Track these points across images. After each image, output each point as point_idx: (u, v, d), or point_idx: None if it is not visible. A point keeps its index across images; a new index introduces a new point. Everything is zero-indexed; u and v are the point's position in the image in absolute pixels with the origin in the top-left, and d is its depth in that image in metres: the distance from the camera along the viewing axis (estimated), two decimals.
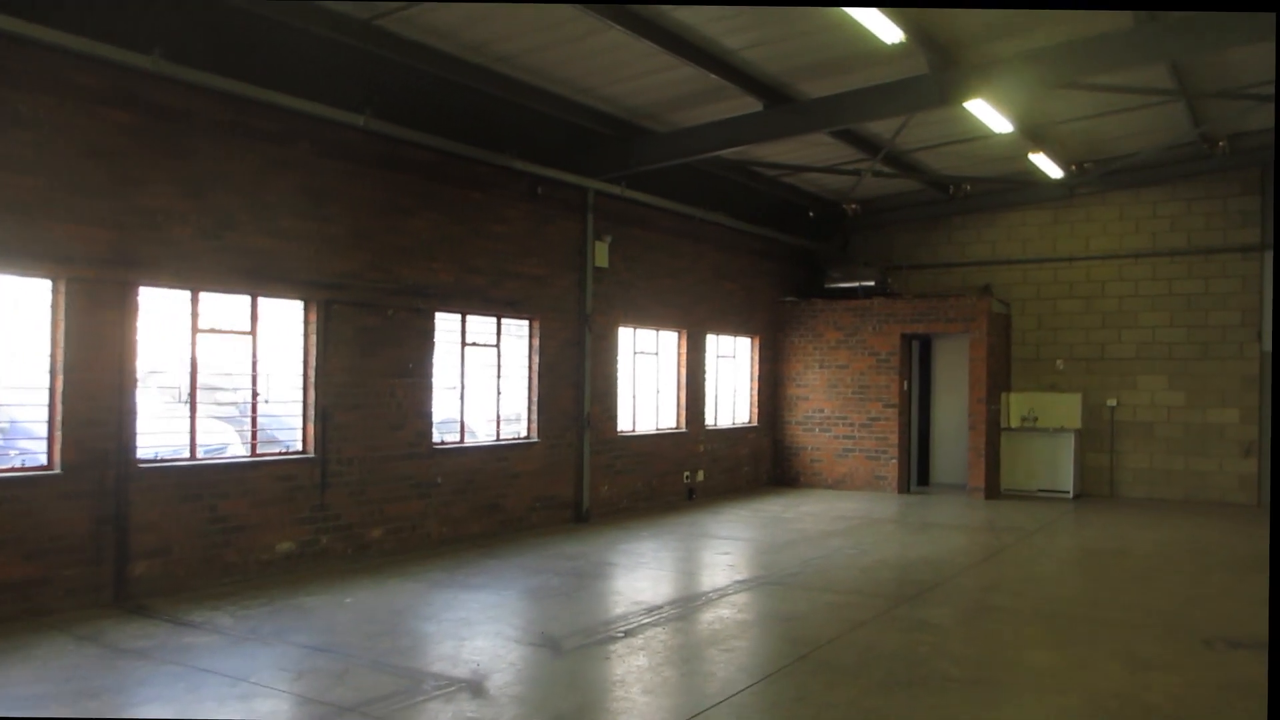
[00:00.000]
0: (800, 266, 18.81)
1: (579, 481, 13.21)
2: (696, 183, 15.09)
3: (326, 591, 8.81)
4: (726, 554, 11.31)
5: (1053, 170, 15.78)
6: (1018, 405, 17.50)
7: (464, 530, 11.48)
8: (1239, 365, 16.26)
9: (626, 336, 14.39)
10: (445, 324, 11.43)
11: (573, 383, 13.13)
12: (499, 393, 12.21)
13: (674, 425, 15.43)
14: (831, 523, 13.24)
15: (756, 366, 17.56)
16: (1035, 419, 17.31)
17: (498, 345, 12.16)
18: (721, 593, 9.17)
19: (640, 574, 10.17)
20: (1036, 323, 17.67)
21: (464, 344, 11.70)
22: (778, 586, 9.40)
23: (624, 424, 14.31)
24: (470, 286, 11.59)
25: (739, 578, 9.92)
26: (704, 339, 15.93)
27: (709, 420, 16.17)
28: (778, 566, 10.32)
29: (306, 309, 9.84)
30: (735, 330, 16.86)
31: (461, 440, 11.69)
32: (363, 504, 10.25)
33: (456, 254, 11.42)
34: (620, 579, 10.05)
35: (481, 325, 11.97)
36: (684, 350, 15.50)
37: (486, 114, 11.55)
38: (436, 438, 11.27)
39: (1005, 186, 17.49)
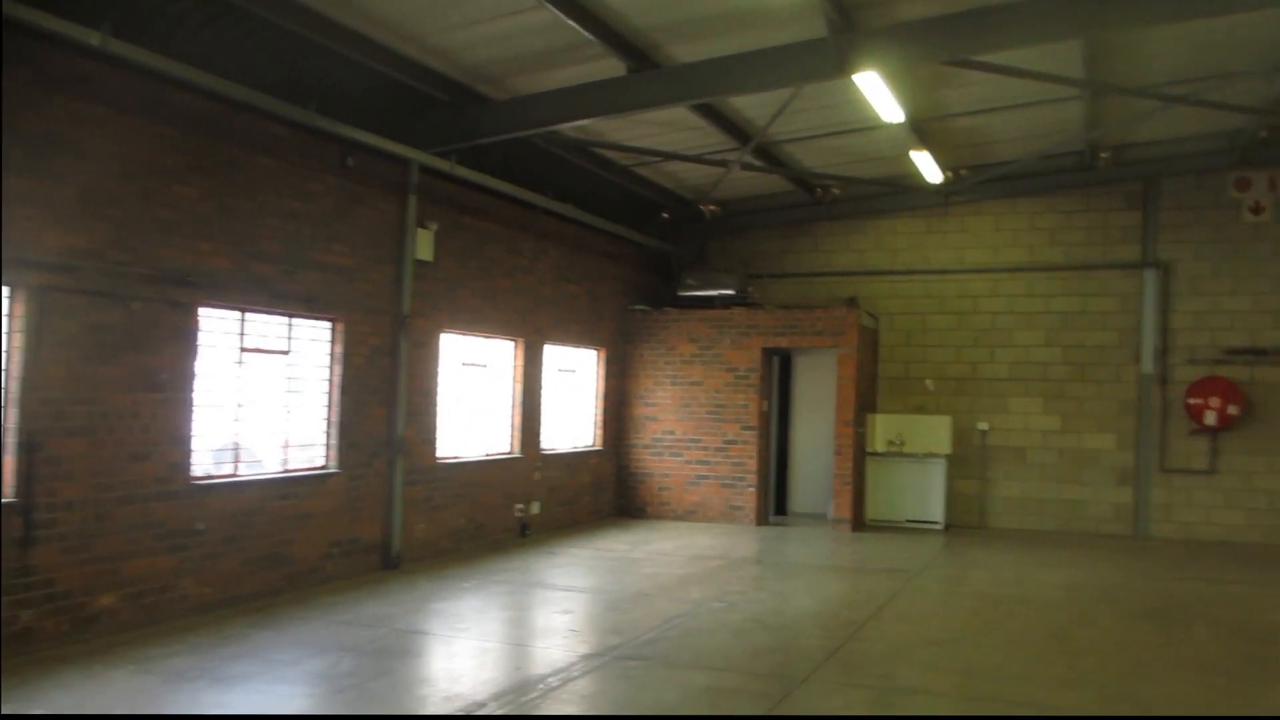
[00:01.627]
0: (653, 271, 17.09)
1: (388, 520, 10.99)
2: (541, 168, 13.12)
3: (8, 696, 6.44)
4: (567, 612, 9.32)
5: (932, 173, 14.53)
6: (884, 428, 16.21)
7: (235, 590, 9.08)
8: (1116, 388, 15.39)
9: (452, 345, 12.24)
10: (217, 324, 9.02)
11: (384, 400, 10.94)
12: (288, 412, 9.89)
13: (506, 450, 13.35)
14: (688, 565, 11.47)
15: (602, 382, 15.70)
16: (902, 443, 16.06)
17: (289, 352, 9.91)
18: (564, 675, 7.18)
19: (459, 646, 8.05)
20: (905, 339, 16.46)
21: (243, 349, 9.38)
22: (634, 663, 7.48)
23: (446, 449, 12.12)
24: (254, 277, 9.24)
25: (584, 650, 7.94)
26: (543, 350, 13.95)
27: (546, 444, 14.18)
28: (631, 630, 8.41)
29: (11, 298, 7.38)
30: (578, 341, 14.97)
31: (235, 473, 9.38)
32: (88, 563, 7.70)
33: (237, 234, 9.06)
34: (433, 656, 7.95)
35: (268, 327, 9.62)
36: (520, 362, 13.49)
37: (285, 58, 9.22)
38: (199, 471, 8.82)
39: (877, 191, 16.21)
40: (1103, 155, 15.01)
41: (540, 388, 13.83)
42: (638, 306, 16.21)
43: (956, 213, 16.22)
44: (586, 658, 7.67)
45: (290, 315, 9.78)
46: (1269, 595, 10.58)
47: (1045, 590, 10.49)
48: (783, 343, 15.39)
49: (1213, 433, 14.80)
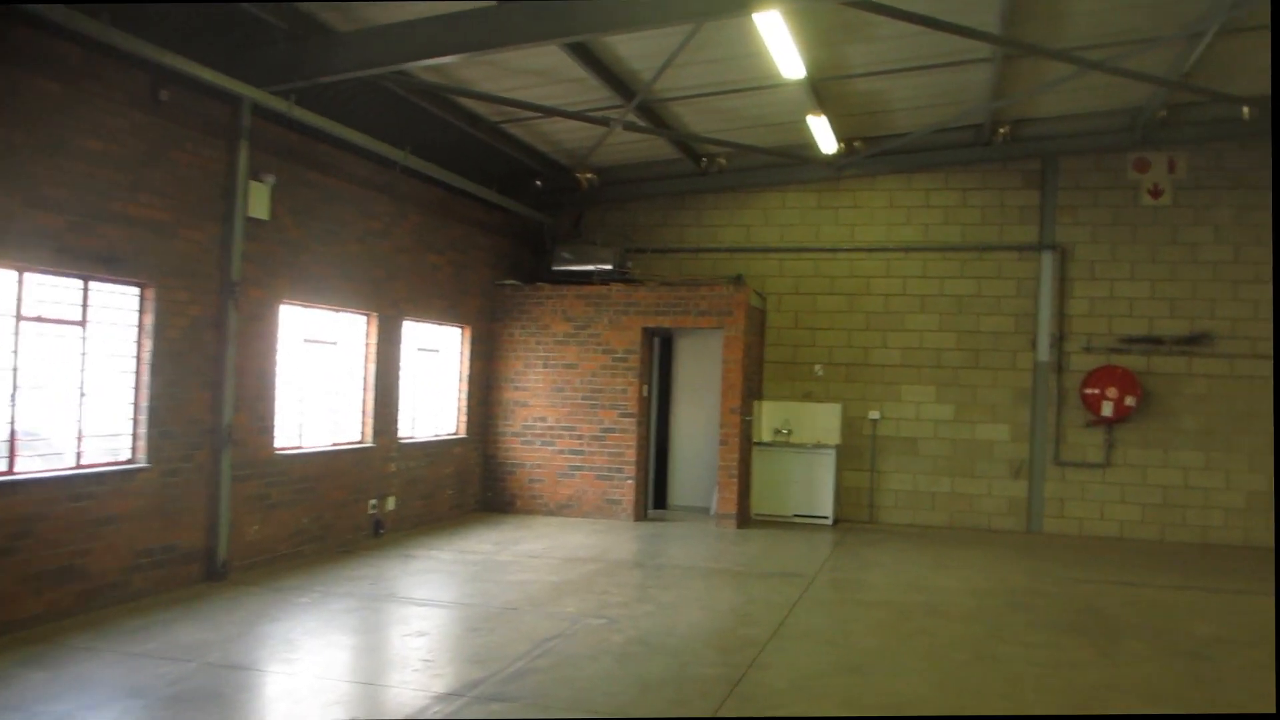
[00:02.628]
0: (524, 243, 15.74)
1: (213, 523, 9.39)
2: (400, 121, 11.61)
3: None
4: (422, 635, 7.94)
5: (828, 142, 13.56)
6: (771, 417, 15.28)
7: (9, 614, 7.39)
8: (1011, 376, 14.75)
9: (294, 318, 10.69)
10: None
11: (208, 381, 9.31)
12: (83, 395, 8.21)
13: (358, 439, 11.82)
14: (562, 569, 10.24)
15: (467, 364, 14.29)
16: (789, 433, 15.16)
17: (85, 322, 8.25)
18: None
19: (282, 687, 6.62)
20: (794, 321, 15.53)
21: (20, 318, 7.68)
22: (499, 706, 6.18)
23: (286, 438, 10.59)
24: (36, 228, 7.53)
25: (439, 688, 6.57)
26: (400, 326, 12.45)
27: (404, 431, 12.70)
28: (497, 658, 7.12)
29: None
30: (441, 317, 13.51)
31: (11, 470, 7.65)
32: None
33: (11, 174, 7.38)
34: (247, 702, 6.48)
35: (57, 291, 7.95)
36: (374, 340, 11.98)
37: None
38: None
39: (767, 162, 15.20)
40: (1001, 130, 14.34)
41: (397, 369, 12.35)
42: (507, 281, 14.86)
43: (849, 187, 15.34)
44: (441, 699, 6.34)
45: (86, 277, 8.09)
46: (1184, 601, 9.96)
47: (952, 597, 9.61)
48: (665, 323, 14.27)
49: (1108, 424, 14.32)
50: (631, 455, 14.13)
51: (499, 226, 14.86)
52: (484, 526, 13.01)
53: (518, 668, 6.95)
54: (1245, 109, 13.56)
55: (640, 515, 14.30)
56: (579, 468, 14.33)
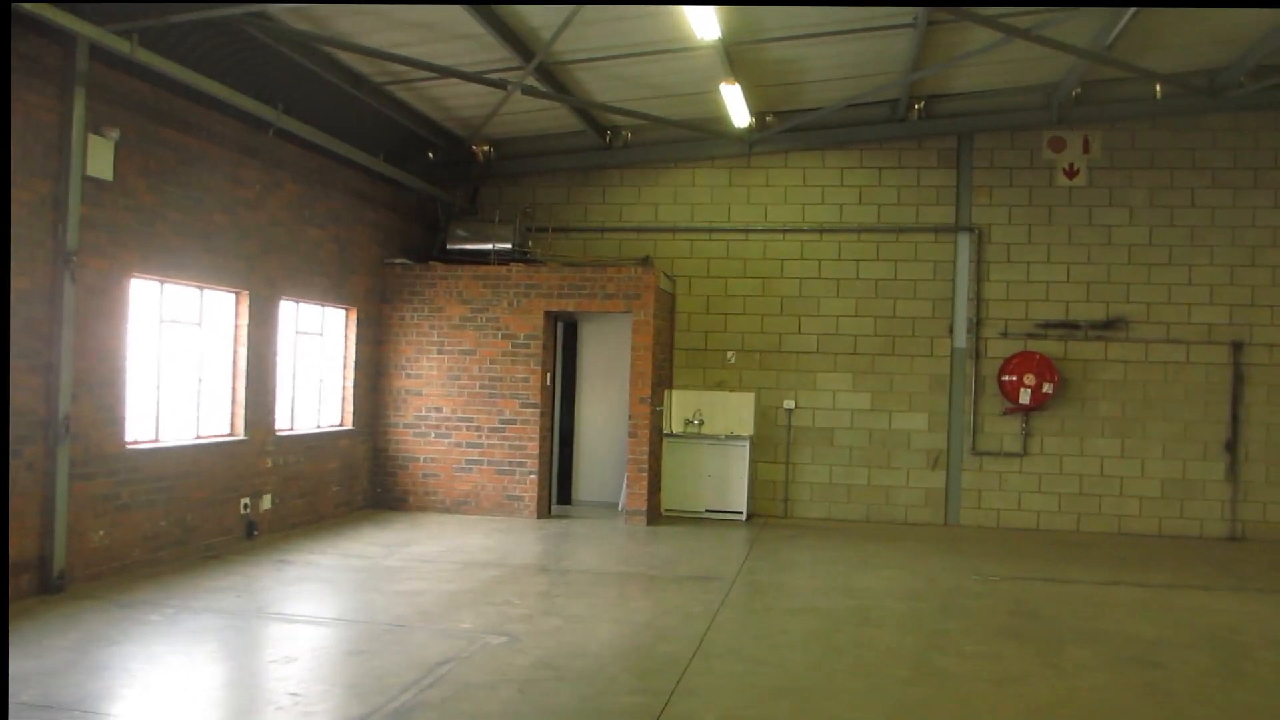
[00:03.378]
0: (416, 220, 14.44)
1: (47, 528, 8.00)
2: (273, 77, 10.19)
3: None
4: (292, 661, 6.66)
5: (740, 113, 12.62)
6: (681, 406, 14.31)
7: None
8: (928, 363, 14.03)
9: (147, 294, 9.29)
10: None
11: (38, 365, 7.86)
12: None
13: (226, 431, 10.43)
14: (458, 576, 9.03)
15: (353, 349, 12.95)
16: (701, 423, 14.21)
17: None
18: None
19: None
20: (705, 305, 14.57)
21: None
22: None
23: (140, 430, 9.21)
24: None
25: None
26: (277, 306, 11.07)
27: (282, 423, 11.33)
28: (380, 690, 5.93)
29: None
30: (324, 297, 12.14)
31: None
32: None
33: None
34: None
35: None
36: (245, 321, 10.56)
37: None
38: None
39: (676, 136, 14.17)
40: (917, 107, 13.61)
41: (273, 353, 10.98)
42: (398, 260, 13.57)
43: (761, 165, 14.43)
44: None
45: None
46: (1117, 599, 9.24)
47: (881, 601, 8.70)
48: (569, 306, 13.17)
49: (1026, 412, 13.71)
50: (534, 448, 13.01)
51: (388, 200, 13.57)
52: (373, 526, 11.74)
53: (405, 701, 5.79)
54: (1158, 86, 13.12)
55: (543, 512, 13.20)
56: (477, 462, 13.15)
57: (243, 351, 10.50)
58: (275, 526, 11.01)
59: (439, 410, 13.26)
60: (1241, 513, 13.44)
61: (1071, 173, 13.85)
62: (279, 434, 11.15)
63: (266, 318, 10.83)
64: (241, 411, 10.47)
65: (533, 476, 12.96)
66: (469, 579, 8.97)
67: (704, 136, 14.01)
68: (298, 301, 11.62)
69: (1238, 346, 13.50)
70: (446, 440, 13.22)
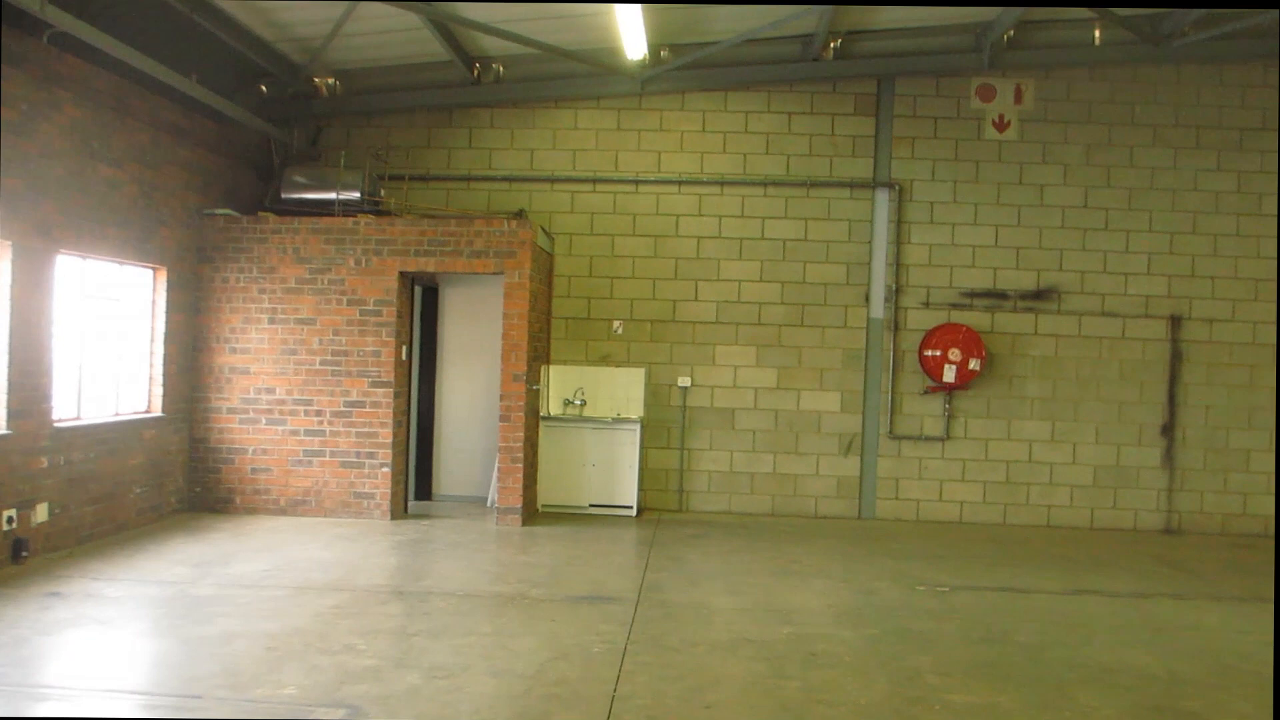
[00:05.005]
0: (244, 162, 12.39)
1: None
2: None
3: None
4: None
5: (636, 42, 11.11)
6: (561, 384, 12.79)
7: None
8: (842, 335, 12.81)
9: None
10: None
11: None
12: None
13: None
14: (286, 609, 7.28)
15: (162, 318, 10.88)
16: (584, 404, 12.73)
17: None
18: None
19: None
20: (588, 267, 13.02)
21: None
22: None
23: None
24: None
25: None
26: (53, 262, 8.96)
27: (64, 411, 9.30)
28: None
29: None
30: (123, 253, 10.05)
31: None
32: None
33: None
34: None
35: None
36: (8, 280, 8.54)
37: None
38: None
39: (555, 72, 12.52)
40: (832, 44, 12.32)
41: (48, 323, 8.89)
42: (220, 210, 11.57)
43: (655, 106, 12.91)
44: None
45: None
46: (1088, 614, 8.09)
47: (824, 628, 7.29)
48: (429, 266, 11.45)
49: (949, 391, 12.68)
50: (387, 435, 11.31)
51: (209, 138, 11.54)
52: (186, 536, 9.87)
53: None
54: (1097, 31, 12.16)
55: (399, 512, 11.51)
56: (318, 453, 11.37)
57: (4, 320, 8.48)
58: (55, 543, 9.02)
59: (271, 391, 11.41)
60: (1178, 502, 12.69)
61: (1002, 125, 12.78)
62: (59, 425, 9.11)
63: (37, 277, 8.76)
64: (4, 398, 8.46)
65: (385, 470, 11.27)
66: (300, 612, 7.27)
67: (590, 71, 12.43)
68: (85, 257, 9.54)
69: (1176, 321, 12.70)
70: (280, 427, 11.38)
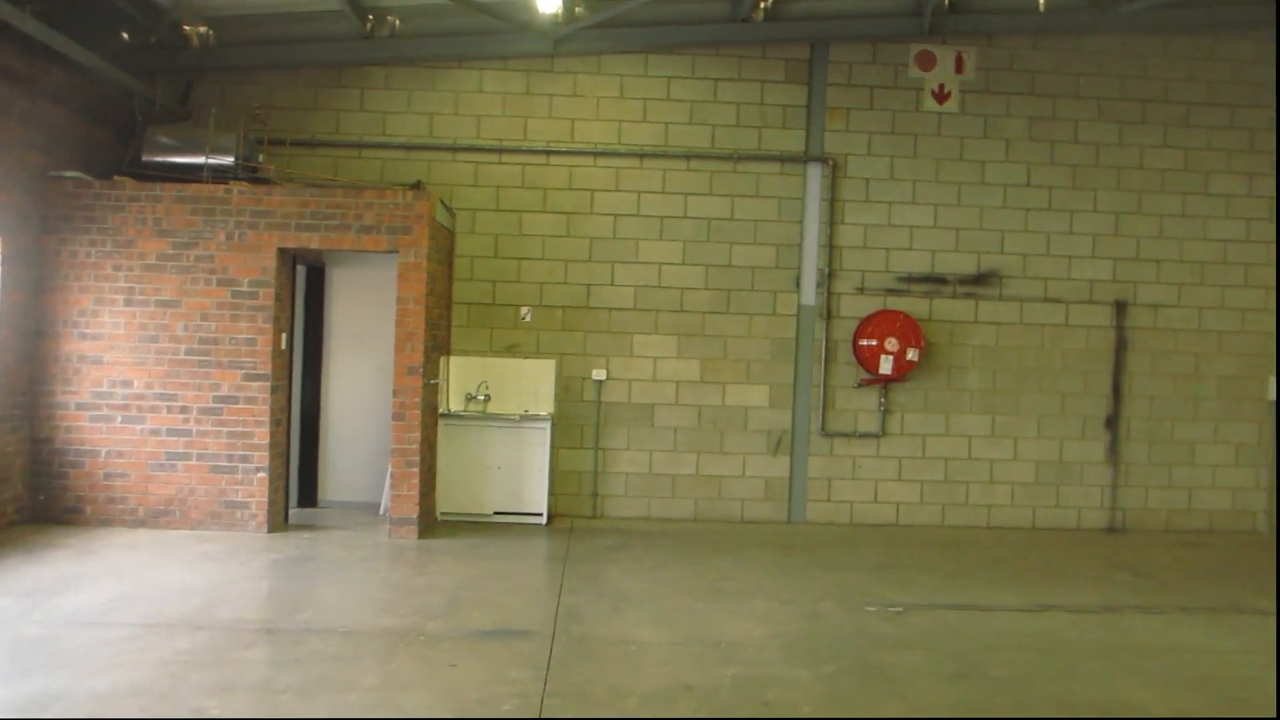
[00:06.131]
0: (99, 118, 10.87)
1: None
2: None
3: None
4: None
5: None
6: (462, 378, 11.66)
7: None
8: (771, 324, 11.93)
9: None
10: None
11: None
12: None
13: None
14: (128, 659, 6.05)
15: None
16: (488, 399, 11.64)
17: None
18: None
19: None
20: (493, 247, 11.89)
21: None
22: None
23: None
24: None
25: None
26: None
27: None
28: None
29: None
30: None
31: None
32: None
33: None
34: None
35: None
36: None
37: None
38: None
39: (457, 27, 11.38)
40: (763, 4, 11.39)
41: None
42: (69, 173, 10.16)
43: (569, 69, 11.82)
44: None
45: None
46: (1060, 636, 7.31)
47: (773, 666, 6.33)
48: (312, 242, 10.20)
49: (885, 384, 11.90)
50: (264, 436, 10.05)
51: (56, 88, 10.06)
52: (21, 555, 8.49)
53: None
54: None
55: (278, 523, 10.28)
56: (183, 456, 10.04)
57: None
58: None
59: (128, 385, 10.06)
60: (1122, 499, 12.13)
61: (942, 95, 12.02)
62: None
63: None
64: None
65: (262, 475, 10.03)
66: (143, 660, 6.05)
67: (497, 28, 11.32)
68: None
69: (1121, 307, 12.12)
70: (139, 426, 10.05)
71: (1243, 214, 12.22)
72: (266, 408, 10.06)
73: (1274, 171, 12.13)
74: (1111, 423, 12.12)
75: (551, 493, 11.37)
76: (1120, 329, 12.13)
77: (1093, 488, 12.12)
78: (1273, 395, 12.10)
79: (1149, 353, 12.18)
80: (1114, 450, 12.14)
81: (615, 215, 11.81)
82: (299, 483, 11.42)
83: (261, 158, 11.04)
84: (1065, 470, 12.12)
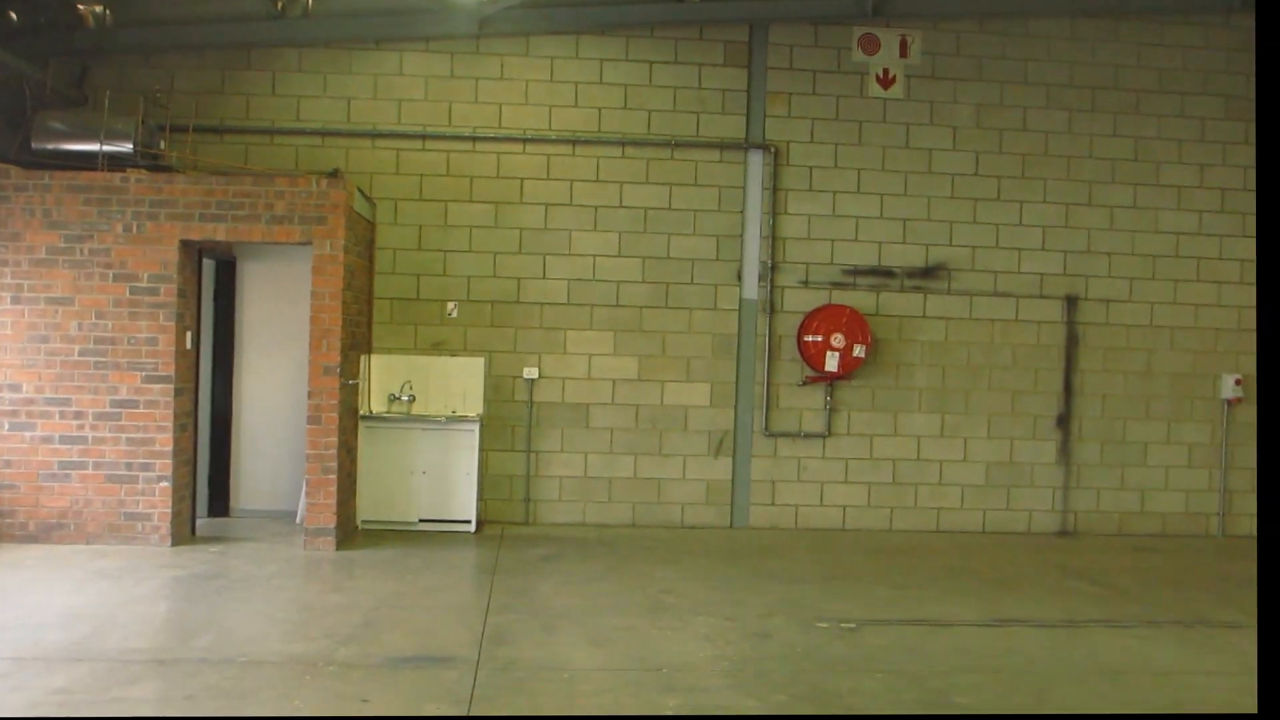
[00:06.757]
0: None
1: None
2: None
3: None
4: None
5: None
6: (385, 377, 11.08)
7: None
8: (711, 319, 11.49)
9: None
10: None
11: None
12: None
13: None
14: (24, 698, 5.44)
15: None
16: (413, 400, 11.09)
17: None
18: None
19: None
20: (417, 239, 11.33)
21: None
22: None
23: None
24: None
25: None
26: None
27: None
28: None
29: None
30: None
31: None
32: None
33: None
34: None
35: None
36: None
37: None
38: None
39: (377, 7, 10.82)
40: None
41: None
42: None
43: (495, 50, 11.28)
44: None
45: None
46: (1027, 655, 6.96)
47: (720, 695, 5.81)
48: (219, 234, 9.54)
49: (831, 382, 11.54)
50: (167, 442, 9.39)
51: None
52: None
53: None
54: None
55: (184, 535, 9.63)
56: (78, 465, 9.35)
57: None
58: None
59: (16, 389, 9.32)
60: (1073, 501, 11.88)
61: (886, 81, 11.67)
62: None
63: None
64: None
65: (164, 484, 9.37)
66: (9, 704, 5.35)
67: (418, 7, 10.77)
68: None
69: (1072, 301, 11.86)
70: (29, 434, 9.31)
71: (1194, 206, 12.02)
72: (170, 412, 9.41)
73: (1225, 162, 11.98)
74: (1063, 422, 11.87)
75: (480, 498, 10.84)
76: (1071, 324, 11.88)
77: (1044, 489, 11.85)
78: (1226, 394, 11.94)
79: (1100, 349, 11.94)
80: (1065, 451, 11.88)
81: (547, 205, 11.30)
82: (209, 491, 10.81)
83: (164, 145, 10.38)
84: (1016, 471, 11.84)
